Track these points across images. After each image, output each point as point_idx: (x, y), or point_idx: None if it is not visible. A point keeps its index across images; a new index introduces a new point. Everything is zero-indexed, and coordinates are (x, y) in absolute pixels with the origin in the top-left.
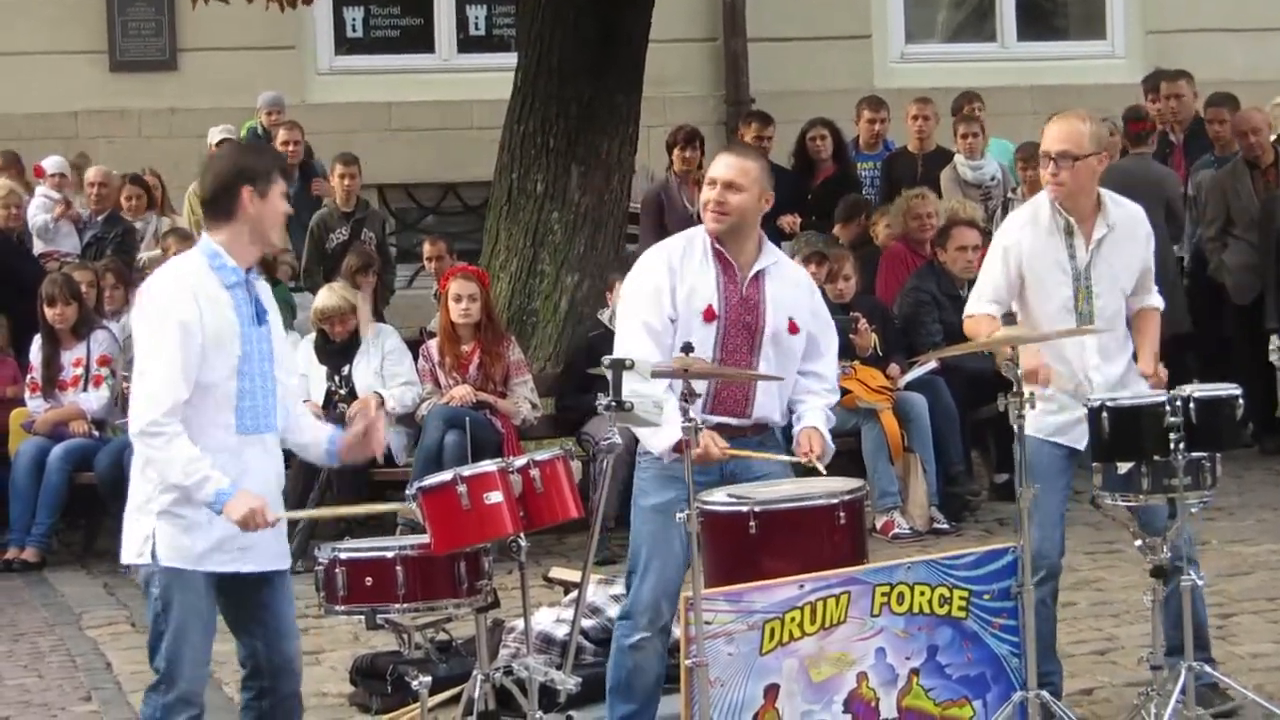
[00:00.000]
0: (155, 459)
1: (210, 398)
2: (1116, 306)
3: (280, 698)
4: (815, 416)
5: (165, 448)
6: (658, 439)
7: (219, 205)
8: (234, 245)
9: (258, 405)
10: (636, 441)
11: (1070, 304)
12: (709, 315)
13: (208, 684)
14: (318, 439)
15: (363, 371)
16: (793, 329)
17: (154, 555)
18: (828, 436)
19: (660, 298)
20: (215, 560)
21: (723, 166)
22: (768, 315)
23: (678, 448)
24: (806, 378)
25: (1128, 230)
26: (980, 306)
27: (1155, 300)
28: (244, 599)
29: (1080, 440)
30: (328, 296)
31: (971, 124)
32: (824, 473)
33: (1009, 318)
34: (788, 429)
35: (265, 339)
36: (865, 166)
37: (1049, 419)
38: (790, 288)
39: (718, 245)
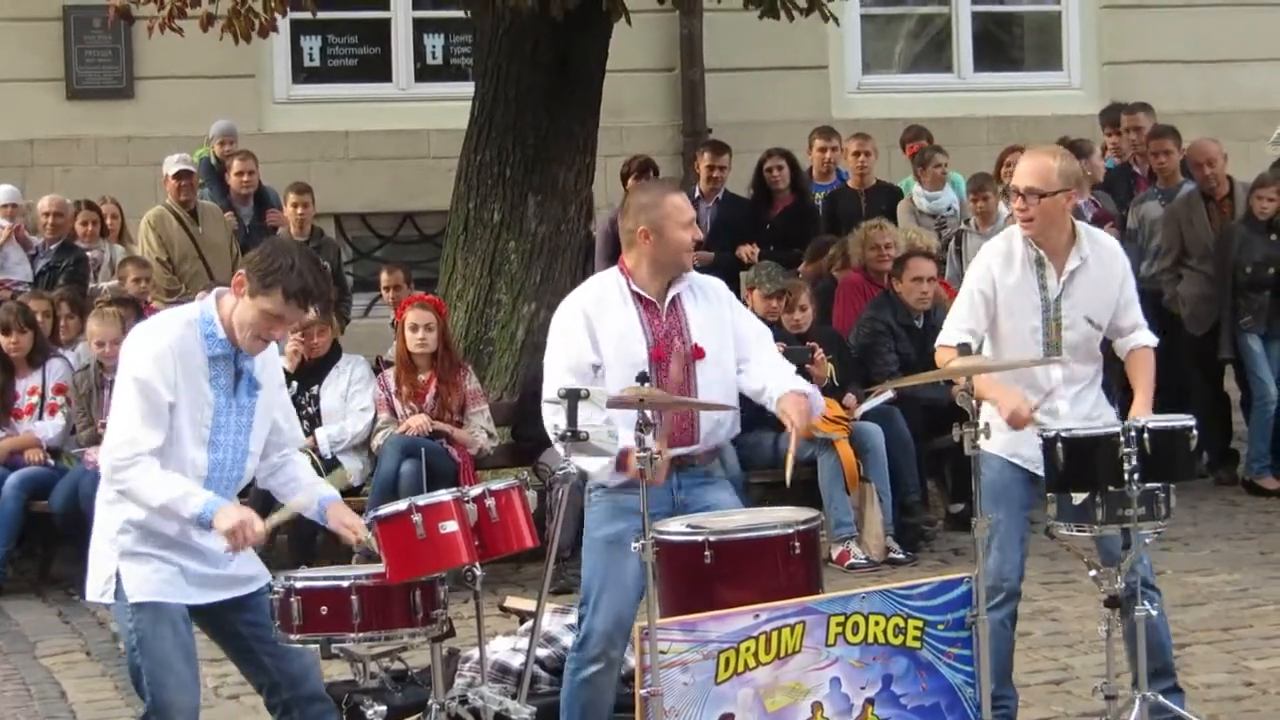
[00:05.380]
0: (133, 488)
1: (176, 465)
2: (1083, 338)
3: (302, 697)
4: (791, 382)
5: (142, 474)
6: (599, 465)
7: (255, 284)
8: (232, 323)
9: (227, 477)
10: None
11: (1039, 335)
12: (657, 355)
13: (199, 707)
14: (310, 500)
15: (330, 395)
16: (698, 354)
17: (118, 594)
18: (809, 390)
19: (580, 346)
20: (183, 593)
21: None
22: (693, 337)
23: (621, 466)
24: (760, 365)
25: (1102, 263)
26: (953, 337)
27: (1145, 338)
28: (227, 625)
29: (1040, 465)
30: None
31: (939, 156)
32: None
33: (965, 348)
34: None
35: (247, 411)
36: (819, 196)
37: (1007, 435)
38: (705, 303)
39: (634, 286)
